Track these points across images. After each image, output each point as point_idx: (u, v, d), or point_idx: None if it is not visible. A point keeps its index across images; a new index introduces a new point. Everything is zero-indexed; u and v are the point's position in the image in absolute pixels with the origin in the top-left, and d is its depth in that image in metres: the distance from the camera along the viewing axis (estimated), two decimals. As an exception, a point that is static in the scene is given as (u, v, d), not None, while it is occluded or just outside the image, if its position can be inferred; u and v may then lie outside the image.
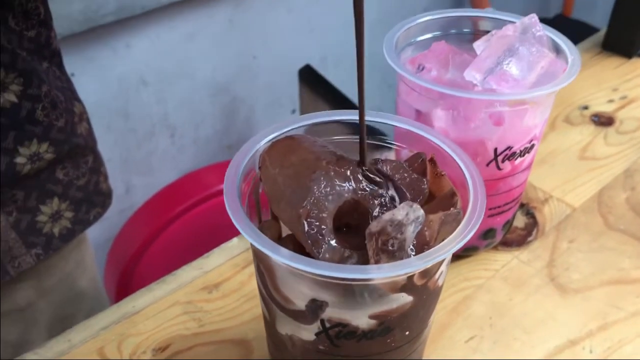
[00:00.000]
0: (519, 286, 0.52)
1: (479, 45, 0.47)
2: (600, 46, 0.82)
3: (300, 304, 0.32)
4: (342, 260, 0.31)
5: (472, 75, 0.44)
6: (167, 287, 0.51)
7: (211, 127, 1.41)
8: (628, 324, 0.49)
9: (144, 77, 1.25)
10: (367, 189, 0.33)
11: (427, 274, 0.32)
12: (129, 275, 1.16)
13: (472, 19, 0.51)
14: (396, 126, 0.38)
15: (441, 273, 0.34)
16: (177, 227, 1.17)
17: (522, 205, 0.59)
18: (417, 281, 0.32)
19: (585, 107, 0.72)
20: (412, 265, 0.29)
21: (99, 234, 1.21)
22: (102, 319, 0.49)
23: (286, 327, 0.35)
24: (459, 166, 0.35)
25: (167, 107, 1.32)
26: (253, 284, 0.51)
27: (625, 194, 0.61)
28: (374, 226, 0.30)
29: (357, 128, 0.34)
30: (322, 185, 0.31)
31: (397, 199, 0.33)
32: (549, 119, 0.69)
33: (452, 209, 0.33)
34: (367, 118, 0.38)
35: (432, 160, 0.36)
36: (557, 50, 0.48)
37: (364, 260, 0.31)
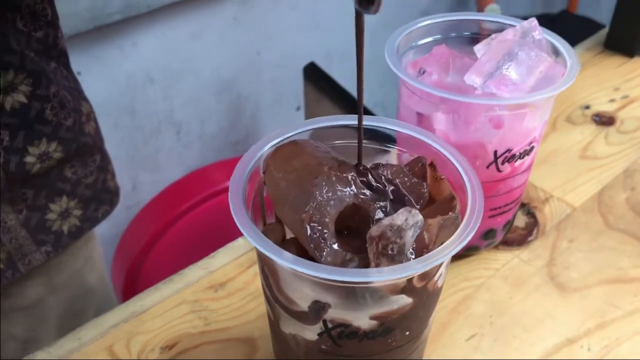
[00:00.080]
0: (519, 285, 0.52)
1: (479, 49, 0.47)
2: (602, 45, 0.83)
3: (303, 305, 0.33)
4: (344, 264, 0.31)
5: (472, 79, 0.45)
6: (173, 286, 0.52)
7: (216, 123, 1.42)
8: (626, 323, 0.49)
9: (150, 75, 1.25)
10: (368, 193, 0.33)
11: (427, 276, 0.33)
12: (136, 271, 1.17)
13: (473, 22, 0.51)
14: (397, 131, 0.39)
15: (440, 275, 0.35)
16: (184, 224, 1.17)
17: (522, 205, 0.60)
18: (417, 283, 0.33)
19: (587, 107, 0.73)
20: (412, 269, 0.30)
21: (106, 230, 1.21)
22: (111, 317, 0.50)
23: (290, 327, 0.36)
24: (458, 171, 0.36)
25: (173, 105, 1.33)
26: (258, 283, 0.52)
27: (626, 194, 0.61)
28: (374, 231, 0.31)
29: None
30: (324, 190, 0.32)
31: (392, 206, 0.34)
32: (550, 119, 0.69)
33: (450, 213, 0.34)
34: (369, 123, 0.39)
35: (432, 165, 0.37)
36: (557, 53, 0.48)
37: (365, 264, 0.32)
